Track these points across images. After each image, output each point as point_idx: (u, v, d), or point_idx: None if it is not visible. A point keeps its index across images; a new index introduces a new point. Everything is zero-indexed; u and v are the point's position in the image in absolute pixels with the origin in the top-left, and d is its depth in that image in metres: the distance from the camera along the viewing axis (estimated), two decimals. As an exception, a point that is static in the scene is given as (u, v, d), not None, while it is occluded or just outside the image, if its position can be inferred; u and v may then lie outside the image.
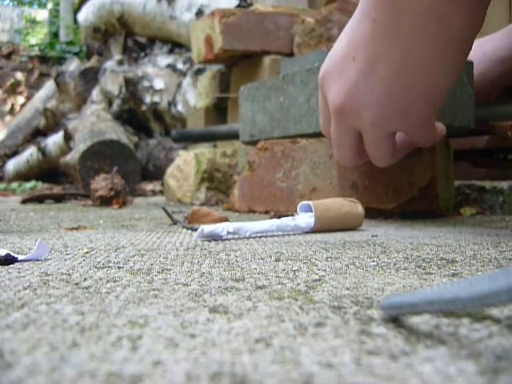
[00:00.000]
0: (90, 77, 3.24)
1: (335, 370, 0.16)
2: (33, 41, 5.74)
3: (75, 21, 4.49)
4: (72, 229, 0.68)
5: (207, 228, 0.53)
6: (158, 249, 0.47)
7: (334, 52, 0.61)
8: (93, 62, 3.42)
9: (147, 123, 2.94)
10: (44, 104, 3.72)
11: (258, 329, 0.21)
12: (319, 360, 0.17)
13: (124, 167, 2.20)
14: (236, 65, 1.76)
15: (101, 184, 1.40)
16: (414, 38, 0.52)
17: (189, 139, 1.72)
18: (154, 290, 0.29)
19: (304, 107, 0.94)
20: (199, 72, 2.46)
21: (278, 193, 0.99)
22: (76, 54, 4.56)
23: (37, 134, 3.75)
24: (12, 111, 4.56)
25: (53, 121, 3.54)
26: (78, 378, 0.16)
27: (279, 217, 0.80)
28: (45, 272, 0.35)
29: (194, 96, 2.30)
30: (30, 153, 3.40)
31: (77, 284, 0.31)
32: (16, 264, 0.38)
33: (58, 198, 1.64)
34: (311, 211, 0.60)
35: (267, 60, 1.65)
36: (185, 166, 1.54)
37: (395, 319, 0.22)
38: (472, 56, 0.80)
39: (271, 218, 0.82)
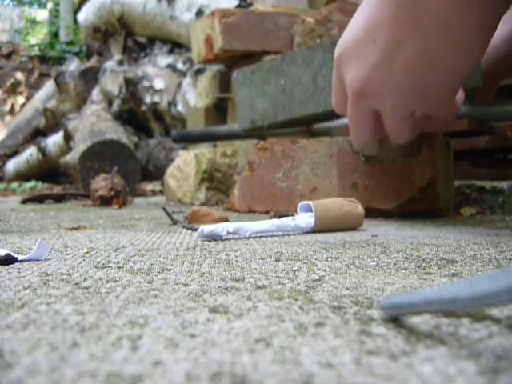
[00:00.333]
0: (89, 77, 3.25)
1: (335, 370, 0.16)
2: (33, 41, 5.75)
3: (75, 21, 4.49)
4: (72, 229, 0.68)
5: (207, 228, 0.53)
6: (158, 249, 0.47)
7: (351, 32, 0.60)
8: (93, 62, 3.42)
9: (147, 123, 2.94)
10: (44, 104, 3.72)
11: (258, 329, 0.21)
12: (319, 360, 0.17)
13: (124, 167, 2.20)
14: (236, 65, 1.76)
15: (101, 184, 1.40)
16: (438, 24, 0.52)
17: (189, 140, 1.72)
18: (153, 290, 0.29)
19: (310, 87, 0.90)
20: (199, 72, 2.46)
21: (278, 193, 0.99)
22: (76, 54, 4.56)
23: (37, 134, 3.75)
24: (12, 111, 4.57)
25: (53, 121, 3.54)
26: (77, 378, 0.16)
27: (279, 217, 0.80)
28: (45, 272, 0.35)
29: (194, 96, 2.30)
30: (30, 153, 3.41)
31: (77, 284, 0.31)
32: (16, 264, 0.38)
33: (58, 198, 1.64)
34: (311, 211, 0.60)
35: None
36: (185, 166, 1.55)
37: (395, 319, 0.22)
38: None
39: (271, 218, 0.82)
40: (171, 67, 2.83)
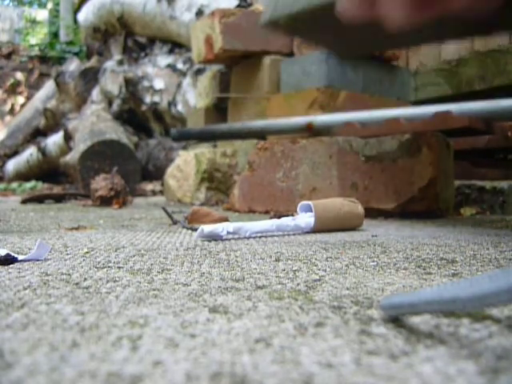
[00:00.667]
0: (89, 77, 3.25)
1: (335, 370, 0.16)
2: (33, 41, 5.75)
3: (75, 21, 4.49)
4: (72, 229, 0.68)
5: (207, 228, 0.53)
6: (158, 249, 0.47)
7: None
8: (93, 62, 3.42)
9: (147, 123, 2.95)
10: (44, 104, 3.72)
11: (258, 329, 0.21)
12: (319, 360, 0.17)
13: (124, 167, 2.20)
14: (236, 65, 1.76)
15: (101, 184, 1.40)
16: None
17: (188, 138, 1.72)
18: (154, 290, 0.29)
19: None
20: (199, 72, 2.46)
21: (278, 193, 0.99)
22: (76, 54, 4.56)
23: (37, 134, 3.75)
24: (12, 111, 4.57)
25: (53, 121, 3.54)
26: (78, 377, 0.16)
27: (279, 217, 0.80)
28: (45, 272, 0.35)
29: (194, 96, 2.30)
30: (30, 153, 3.41)
31: (77, 284, 0.31)
32: (16, 264, 0.38)
33: (58, 198, 1.64)
34: (311, 211, 0.60)
35: (267, 60, 1.66)
36: (185, 165, 1.55)
37: (395, 319, 0.22)
38: None
39: (271, 218, 0.82)
40: (171, 67, 2.83)
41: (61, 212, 1.08)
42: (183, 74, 2.72)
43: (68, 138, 2.87)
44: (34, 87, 4.56)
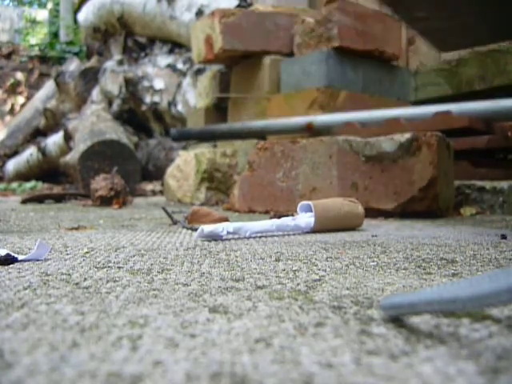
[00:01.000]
0: (89, 77, 3.25)
1: (335, 370, 0.16)
2: (33, 41, 5.74)
3: (75, 21, 4.49)
4: (72, 229, 0.68)
5: (207, 228, 0.53)
6: (158, 249, 0.47)
7: None
8: (93, 62, 3.42)
9: (147, 123, 2.95)
10: (44, 104, 3.72)
11: (258, 329, 0.21)
12: (319, 360, 0.17)
13: (124, 167, 2.20)
14: (236, 65, 1.76)
15: (101, 184, 1.40)
16: None
17: (188, 138, 1.72)
18: (154, 290, 0.29)
19: None
20: (199, 72, 2.46)
21: (278, 193, 0.99)
22: (76, 54, 4.56)
23: (37, 134, 3.75)
24: (12, 111, 4.57)
25: (53, 121, 3.54)
26: (78, 377, 0.16)
27: (279, 217, 0.80)
28: (45, 272, 0.35)
29: (194, 96, 2.30)
30: (30, 153, 3.41)
31: (77, 284, 0.31)
32: (16, 264, 0.38)
33: (58, 198, 1.64)
34: (311, 211, 0.60)
35: (267, 60, 1.66)
36: (185, 165, 1.55)
37: (395, 319, 0.22)
38: None
39: (271, 218, 0.82)
40: (171, 67, 2.83)
41: (61, 212, 1.08)
42: (183, 74, 2.72)
43: (68, 138, 2.87)
44: (34, 87, 4.56)
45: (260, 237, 0.57)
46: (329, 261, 0.40)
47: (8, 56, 4.85)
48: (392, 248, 0.47)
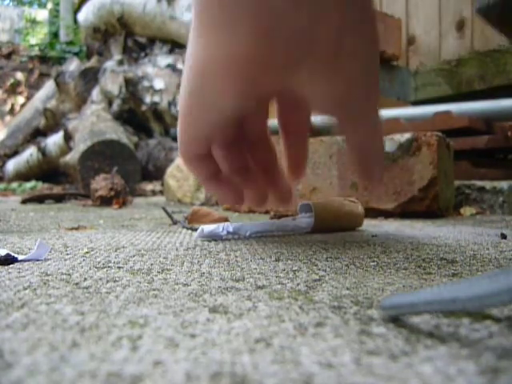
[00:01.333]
0: (89, 77, 3.25)
1: (335, 370, 0.16)
2: (33, 41, 5.74)
3: (75, 21, 4.49)
4: (72, 229, 0.68)
5: (207, 228, 0.53)
6: (158, 249, 0.47)
7: None
8: (93, 62, 3.42)
9: (147, 123, 2.94)
10: (44, 104, 3.72)
11: (258, 329, 0.21)
12: (319, 360, 0.17)
13: (124, 167, 2.20)
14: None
15: (101, 184, 1.40)
16: None
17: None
18: (154, 290, 0.29)
19: None
20: (199, 72, 2.45)
21: (277, 193, 0.98)
22: (76, 54, 4.56)
23: (37, 134, 3.75)
24: (12, 111, 4.57)
25: (53, 121, 3.54)
26: (78, 378, 0.16)
27: (279, 217, 0.80)
28: (45, 272, 0.35)
29: (194, 96, 2.30)
30: (29, 153, 3.41)
31: (77, 284, 0.31)
32: (16, 264, 0.38)
33: (58, 198, 1.64)
34: (311, 211, 0.60)
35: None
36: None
37: (395, 319, 0.22)
38: None
39: (271, 218, 0.82)
40: (171, 67, 2.83)
41: (61, 212, 1.08)
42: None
43: (68, 137, 2.87)
44: (34, 87, 4.56)
45: (260, 237, 0.57)
46: (329, 261, 0.40)
47: (8, 56, 4.85)
48: (392, 248, 0.47)
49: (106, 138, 2.37)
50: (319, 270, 0.36)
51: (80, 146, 2.42)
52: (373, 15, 0.36)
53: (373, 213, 0.86)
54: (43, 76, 4.65)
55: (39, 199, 1.58)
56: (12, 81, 4.65)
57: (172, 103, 2.70)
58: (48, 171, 3.33)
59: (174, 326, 0.22)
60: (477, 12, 0.64)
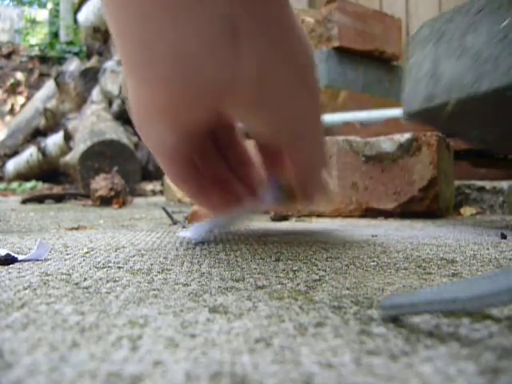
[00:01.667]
0: (90, 77, 3.25)
1: (335, 370, 0.16)
2: (33, 41, 5.74)
3: (75, 21, 4.49)
4: (72, 229, 0.68)
5: (195, 228, 0.52)
6: (157, 249, 0.47)
7: None
8: (93, 62, 3.42)
9: (147, 123, 2.94)
10: (44, 104, 3.72)
11: (258, 329, 0.21)
12: (319, 360, 0.17)
13: (124, 167, 2.20)
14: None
15: (101, 184, 1.40)
16: None
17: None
18: (154, 290, 0.29)
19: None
20: (199, 72, 2.45)
21: (277, 193, 0.98)
22: (76, 53, 4.56)
23: (37, 134, 3.75)
24: (12, 111, 4.57)
25: (53, 121, 3.54)
26: (77, 378, 0.16)
27: (279, 217, 0.80)
28: (45, 272, 0.35)
29: (194, 96, 2.30)
30: (29, 153, 3.41)
31: (77, 284, 0.31)
32: (16, 264, 0.38)
33: (58, 198, 1.64)
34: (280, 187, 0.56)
35: (267, 60, 1.65)
36: (185, 166, 1.54)
37: (395, 319, 0.22)
38: None
39: (271, 217, 0.82)
40: (171, 67, 2.83)
41: (61, 212, 1.08)
42: (183, 74, 2.72)
43: (68, 138, 2.87)
44: (34, 87, 4.56)
45: (260, 237, 0.57)
46: (329, 261, 0.40)
47: (8, 56, 4.85)
48: (392, 248, 0.47)
49: (106, 138, 2.37)
50: (319, 270, 0.36)
51: (80, 146, 2.42)
52: (292, 33, 0.36)
53: (373, 213, 0.86)
54: (43, 76, 4.65)
55: (39, 199, 1.58)
56: (12, 81, 4.65)
57: (172, 103, 2.69)
58: (48, 171, 3.33)
59: (174, 326, 0.22)
60: (403, 118, 0.70)
